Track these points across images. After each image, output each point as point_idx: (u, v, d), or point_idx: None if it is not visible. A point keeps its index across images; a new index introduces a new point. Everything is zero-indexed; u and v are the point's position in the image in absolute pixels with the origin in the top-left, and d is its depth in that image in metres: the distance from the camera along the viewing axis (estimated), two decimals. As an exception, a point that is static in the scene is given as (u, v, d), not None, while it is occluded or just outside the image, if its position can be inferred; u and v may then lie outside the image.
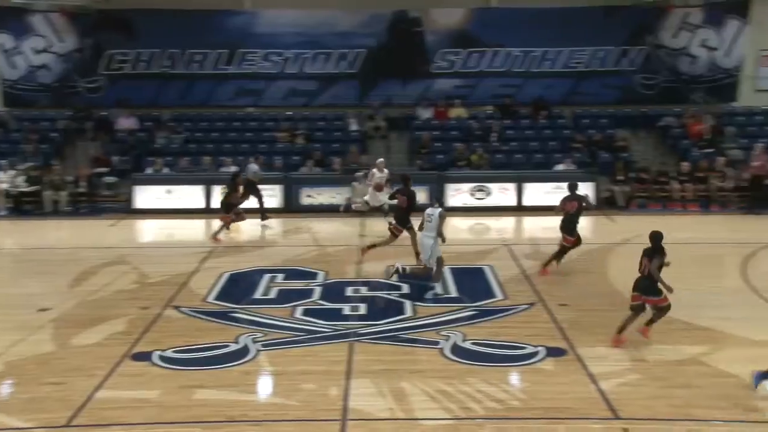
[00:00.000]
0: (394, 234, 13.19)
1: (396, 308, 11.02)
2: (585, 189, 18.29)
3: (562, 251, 12.85)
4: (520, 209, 18.73)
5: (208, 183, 18.93)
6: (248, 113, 22.77)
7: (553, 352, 9.42)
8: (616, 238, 15.64)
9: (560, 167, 19.58)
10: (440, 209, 12.00)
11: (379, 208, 16.59)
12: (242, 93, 22.82)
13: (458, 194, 18.57)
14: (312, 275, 12.86)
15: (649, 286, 9.42)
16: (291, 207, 18.89)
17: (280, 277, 12.69)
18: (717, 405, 7.93)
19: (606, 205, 18.56)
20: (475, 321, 10.61)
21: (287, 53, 22.47)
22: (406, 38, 22.41)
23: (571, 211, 12.64)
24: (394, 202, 13.65)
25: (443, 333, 9.94)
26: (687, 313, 10.78)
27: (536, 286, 12.24)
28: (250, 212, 16.80)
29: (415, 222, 12.80)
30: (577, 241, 12.85)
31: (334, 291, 11.84)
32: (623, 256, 14.33)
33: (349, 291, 11.84)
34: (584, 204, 12.95)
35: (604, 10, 21.49)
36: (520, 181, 18.78)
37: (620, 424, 7.59)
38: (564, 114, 22.44)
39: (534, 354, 9.38)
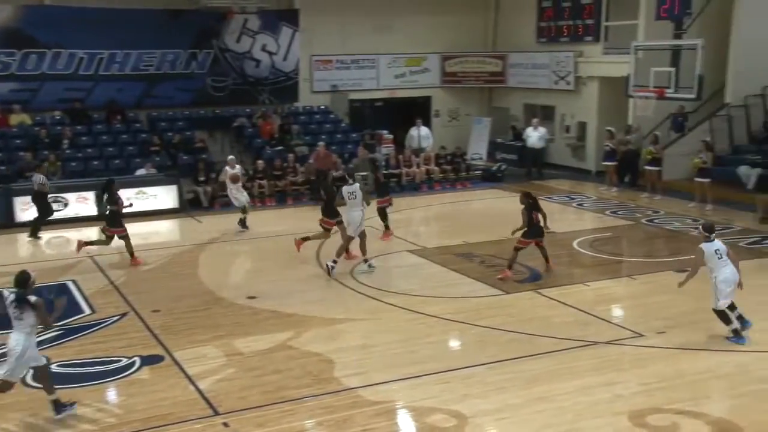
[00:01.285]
0: (326, 228, 13.69)
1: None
2: (167, 192, 18.52)
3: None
4: (102, 218, 17.89)
5: None
6: None
7: (149, 360, 9.34)
8: (203, 238, 15.96)
9: (141, 171, 19.21)
10: (357, 183, 13.31)
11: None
12: None
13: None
14: None
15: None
16: None
17: None
18: (305, 384, 8.67)
19: (190, 206, 18.79)
20: (61, 341, 9.96)
21: None
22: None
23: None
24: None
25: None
26: (274, 303, 11.57)
27: (127, 296, 11.94)
28: None
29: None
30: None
31: None
32: (213, 255, 14.76)
33: None
34: None
35: (170, 13, 21.56)
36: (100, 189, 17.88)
37: (220, 419, 7.84)
38: (140, 117, 22.04)
39: (130, 365, 9.18)
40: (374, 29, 24.42)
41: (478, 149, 25.04)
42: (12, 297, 7.66)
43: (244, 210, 16.58)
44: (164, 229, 17.43)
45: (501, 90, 26.14)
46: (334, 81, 24.52)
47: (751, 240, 14.59)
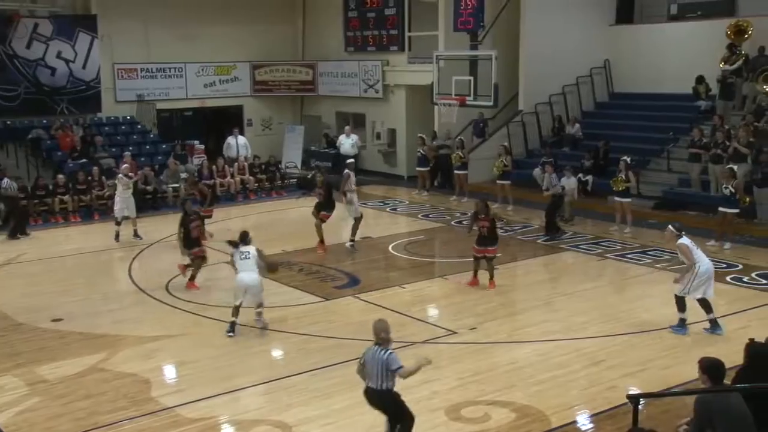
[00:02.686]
0: (323, 220, 14.65)
1: None
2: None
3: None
4: None
5: None
6: None
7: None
8: (-3, 261, 14.70)
9: None
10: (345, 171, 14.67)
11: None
12: None
13: None
14: None
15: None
16: None
17: None
18: (120, 407, 8.25)
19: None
20: None
21: None
22: None
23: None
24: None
25: None
26: (82, 324, 10.91)
27: None
28: None
29: None
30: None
31: None
32: (8, 277, 13.63)
33: None
34: None
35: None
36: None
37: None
38: None
39: None
40: (179, 37, 23.74)
41: (292, 157, 25.10)
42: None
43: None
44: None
45: (312, 98, 26.37)
46: (140, 90, 23.52)
47: (546, 237, 15.75)
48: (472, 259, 12.42)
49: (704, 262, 10.08)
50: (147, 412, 8.10)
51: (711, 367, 6.06)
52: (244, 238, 10.58)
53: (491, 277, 12.33)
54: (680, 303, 10.21)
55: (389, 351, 6.78)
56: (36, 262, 14.65)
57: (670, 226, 10.45)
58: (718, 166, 16.19)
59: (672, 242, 10.41)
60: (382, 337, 6.85)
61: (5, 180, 17.08)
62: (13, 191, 17.07)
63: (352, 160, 17.18)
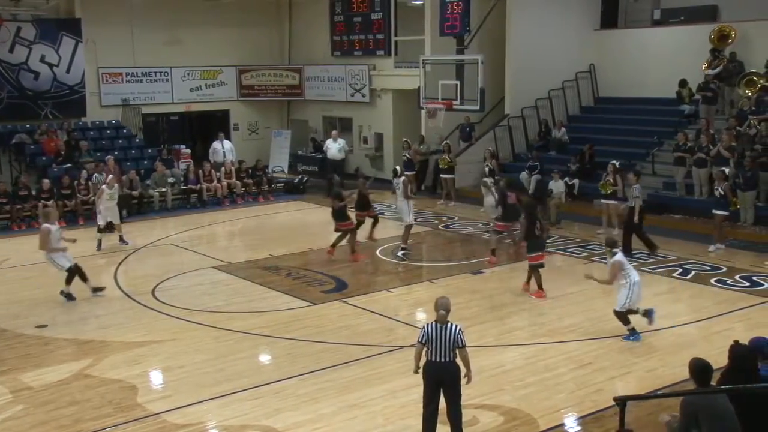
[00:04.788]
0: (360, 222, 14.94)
1: None
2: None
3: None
4: None
5: None
6: None
7: None
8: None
9: None
10: (403, 177, 14.90)
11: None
12: None
13: None
14: None
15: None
16: None
17: None
18: (106, 413, 8.18)
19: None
20: None
21: None
22: None
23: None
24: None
25: None
26: (68, 330, 10.83)
27: None
28: None
29: None
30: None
31: None
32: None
33: None
34: None
35: None
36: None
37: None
38: None
39: None
40: (165, 41, 23.67)
41: (279, 162, 25.06)
42: None
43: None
44: None
45: (299, 103, 26.35)
46: (125, 94, 23.41)
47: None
48: (454, 264, 12.33)
49: (635, 275, 10.20)
50: (133, 419, 8.04)
51: (697, 369, 6.15)
52: None
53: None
54: (623, 317, 10.14)
55: (459, 327, 7.21)
56: (19, 268, 14.52)
57: (608, 246, 10.42)
58: (703, 169, 16.33)
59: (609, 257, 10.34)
60: (442, 314, 7.19)
61: None
62: None
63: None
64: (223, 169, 21.20)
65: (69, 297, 12.15)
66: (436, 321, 7.21)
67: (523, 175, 18.62)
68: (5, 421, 8.05)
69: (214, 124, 25.02)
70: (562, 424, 7.98)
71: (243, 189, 21.20)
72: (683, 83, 19.22)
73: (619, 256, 10.26)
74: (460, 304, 11.75)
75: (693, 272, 13.26)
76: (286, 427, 7.84)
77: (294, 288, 12.77)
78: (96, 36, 22.24)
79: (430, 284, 13.11)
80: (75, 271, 12.19)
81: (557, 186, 17.16)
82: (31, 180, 19.36)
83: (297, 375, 9.11)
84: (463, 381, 7.26)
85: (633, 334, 10.14)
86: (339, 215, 14.51)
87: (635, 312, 10.25)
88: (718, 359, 6.93)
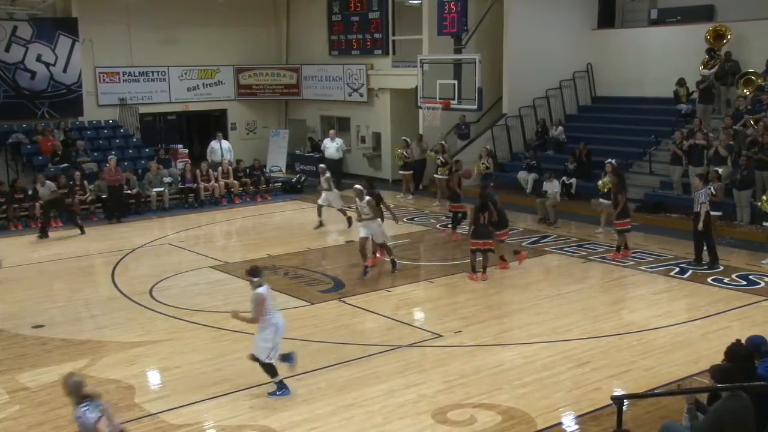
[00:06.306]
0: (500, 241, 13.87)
1: None
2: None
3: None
4: None
5: None
6: None
7: None
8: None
9: None
10: (367, 198, 13.43)
11: None
12: None
13: None
14: None
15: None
16: None
17: None
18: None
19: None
20: None
21: None
22: None
23: None
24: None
25: None
26: (64, 330, 10.80)
27: None
28: None
29: None
30: None
31: None
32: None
33: None
34: None
35: None
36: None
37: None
38: None
39: None
40: (162, 40, 23.63)
41: (276, 161, 25.04)
42: None
43: None
44: None
45: (297, 102, 26.32)
46: (122, 94, 23.37)
47: (532, 240, 15.81)
48: (451, 263, 12.32)
49: (278, 317, 8.59)
50: (131, 419, 8.01)
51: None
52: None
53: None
54: (270, 369, 8.51)
55: None
56: (15, 268, 14.48)
57: (252, 276, 8.54)
58: (700, 168, 16.34)
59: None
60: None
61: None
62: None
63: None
64: (220, 168, 21.17)
65: None
66: None
67: (522, 174, 18.62)
68: (2, 422, 8.04)
69: (212, 123, 24.97)
70: (560, 423, 7.97)
71: (241, 188, 21.17)
72: (681, 82, 19.24)
73: (260, 289, 8.36)
74: (459, 304, 11.78)
75: (690, 271, 13.27)
76: (283, 427, 7.83)
77: (291, 287, 12.75)
78: (93, 35, 22.19)
79: (428, 284, 13.10)
80: None
81: (551, 186, 17.15)
82: (27, 180, 19.31)
83: (294, 375, 9.09)
84: None
85: (280, 388, 8.52)
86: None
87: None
88: (715, 358, 6.93)
